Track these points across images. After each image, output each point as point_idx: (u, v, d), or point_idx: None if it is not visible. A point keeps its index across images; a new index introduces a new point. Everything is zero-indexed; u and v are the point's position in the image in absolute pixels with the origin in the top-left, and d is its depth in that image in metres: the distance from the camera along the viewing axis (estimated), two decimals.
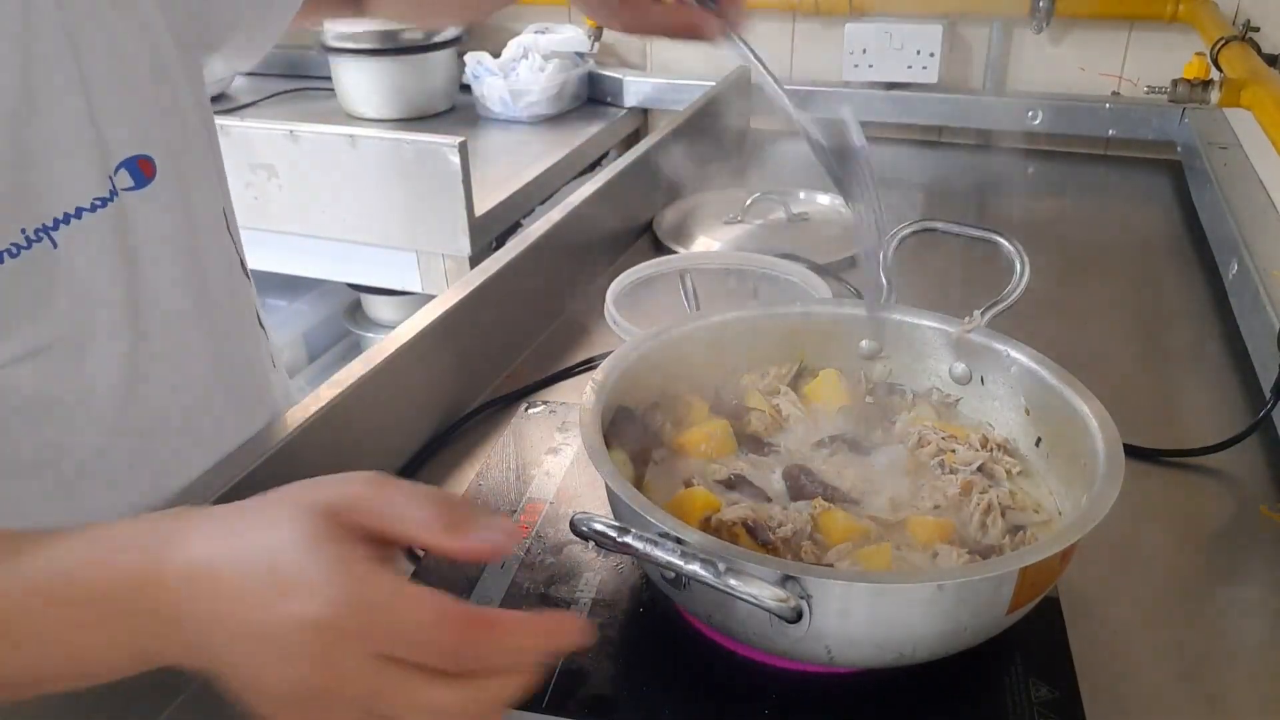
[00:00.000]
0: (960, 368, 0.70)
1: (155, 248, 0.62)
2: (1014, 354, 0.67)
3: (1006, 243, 0.69)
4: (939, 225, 0.69)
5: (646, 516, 0.51)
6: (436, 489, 0.41)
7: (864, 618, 0.49)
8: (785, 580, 0.47)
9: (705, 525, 0.57)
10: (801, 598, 0.47)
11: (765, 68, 0.70)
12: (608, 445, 0.58)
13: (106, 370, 0.60)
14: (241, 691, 0.39)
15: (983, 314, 0.69)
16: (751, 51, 0.70)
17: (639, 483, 0.63)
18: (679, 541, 0.46)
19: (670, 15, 0.69)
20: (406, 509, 0.39)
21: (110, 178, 0.59)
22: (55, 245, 0.56)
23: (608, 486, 0.54)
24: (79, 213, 0.57)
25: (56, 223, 0.56)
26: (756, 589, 0.46)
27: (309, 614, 0.36)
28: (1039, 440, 0.65)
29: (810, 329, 0.74)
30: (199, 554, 0.39)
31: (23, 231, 0.54)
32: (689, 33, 0.69)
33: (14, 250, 0.54)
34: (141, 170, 0.60)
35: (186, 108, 0.64)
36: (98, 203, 0.58)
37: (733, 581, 0.45)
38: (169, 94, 0.62)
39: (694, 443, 0.66)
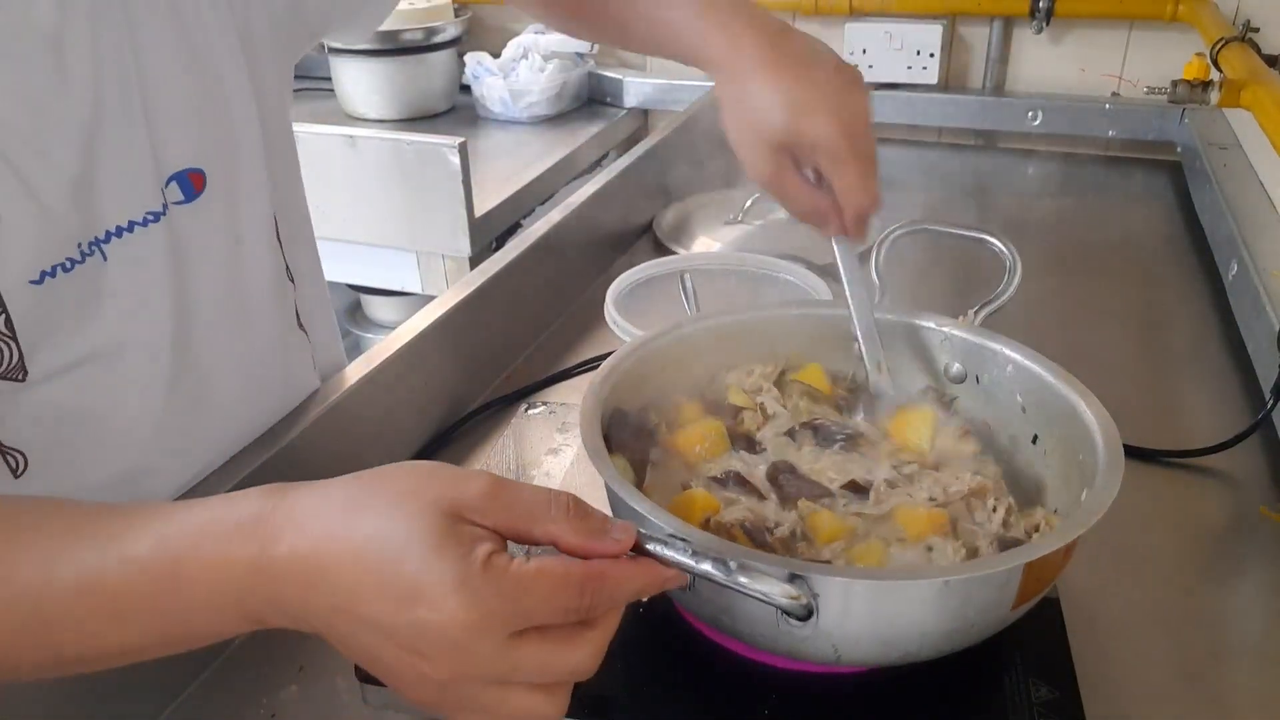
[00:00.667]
0: (956, 367, 0.70)
1: (200, 261, 0.61)
2: (1009, 352, 0.66)
3: (998, 242, 0.69)
4: (930, 226, 0.69)
5: (651, 518, 0.51)
6: (547, 489, 0.42)
7: (871, 615, 0.50)
8: (793, 579, 0.47)
9: (705, 527, 0.57)
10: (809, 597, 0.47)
11: (854, 298, 0.67)
12: (606, 449, 0.58)
13: (145, 382, 0.60)
14: (364, 665, 0.41)
15: (976, 313, 0.69)
16: (846, 267, 0.67)
17: (638, 486, 0.63)
18: (687, 541, 0.46)
19: (804, 194, 0.66)
20: (536, 509, 0.40)
21: (162, 190, 0.58)
22: (105, 259, 0.55)
23: (609, 489, 0.54)
24: (131, 226, 0.56)
25: (109, 235, 0.55)
26: (768, 586, 0.45)
27: (438, 620, 0.37)
28: (1035, 437, 0.65)
29: (809, 330, 0.74)
30: (311, 545, 0.39)
31: (78, 245, 0.54)
32: (811, 219, 0.67)
33: (68, 265, 0.53)
34: (192, 183, 0.60)
35: (240, 117, 0.63)
36: (150, 217, 0.57)
37: (743, 579, 0.45)
38: (223, 104, 0.61)
39: (688, 443, 0.66)
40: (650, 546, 0.43)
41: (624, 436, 0.64)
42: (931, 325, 0.71)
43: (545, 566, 0.39)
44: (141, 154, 0.56)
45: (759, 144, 0.63)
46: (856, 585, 0.48)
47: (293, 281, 0.72)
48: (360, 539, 0.39)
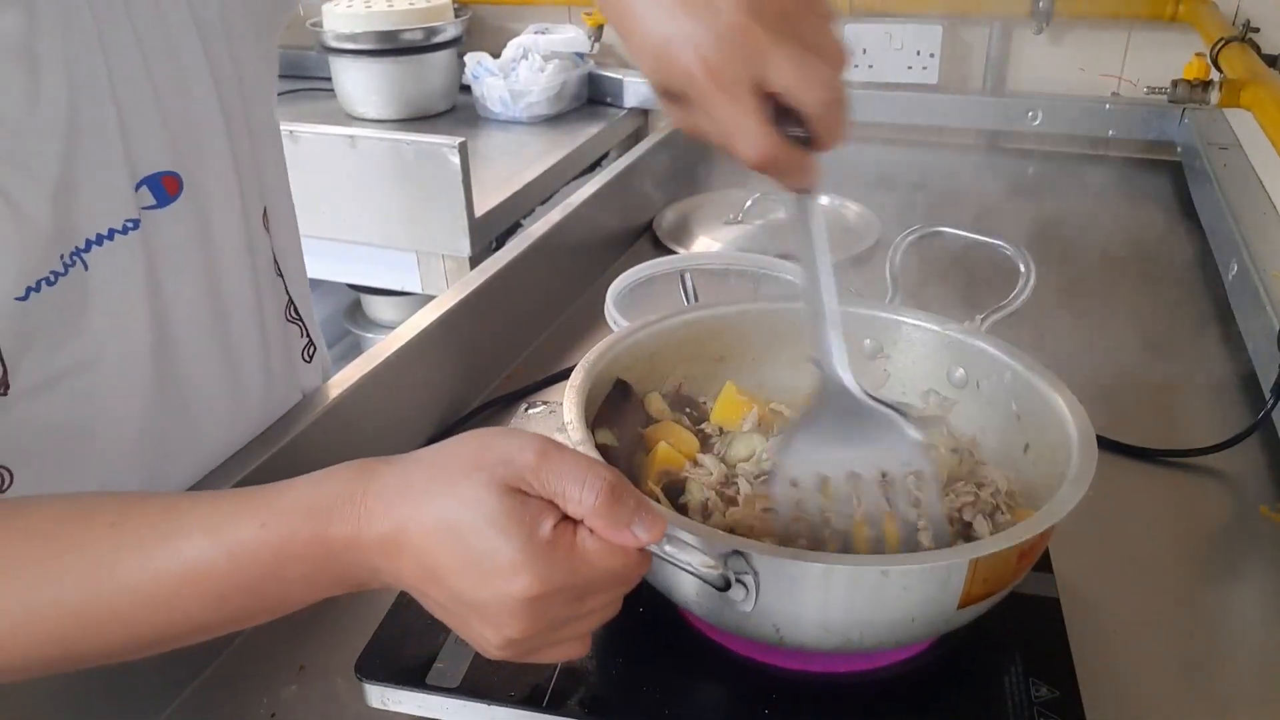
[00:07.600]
0: (959, 372, 0.69)
1: (177, 265, 0.61)
2: (1008, 360, 0.66)
3: (1012, 250, 0.68)
4: (946, 230, 0.69)
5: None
6: (598, 463, 0.44)
7: (807, 597, 0.50)
8: (733, 555, 0.48)
9: (660, 481, 0.60)
10: (746, 573, 0.49)
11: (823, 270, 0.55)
12: (600, 424, 0.60)
13: (127, 390, 0.60)
14: (452, 628, 0.46)
15: (983, 319, 0.69)
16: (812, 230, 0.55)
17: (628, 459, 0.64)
18: None
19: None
20: (570, 490, 0.43)
21: (134, 195, 0.58)
22: (87, 268, 0.55)
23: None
24: (111, 234, 0.56)
25: (89, 244, 0.55)
26: (689, 556, 0.47)
27: (518, 591, 0.42)
28: (1027, 446, 0.64)
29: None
30: (396, 526, 0.43)
31: (60, 258, 0.53)
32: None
33: (52, 278, 0.53)
34: (165, 187, 0.59)
35: (205, 113, 0.62)
36: (129, 224, 0.57)
37: (669, 549, 0.47)
38: (188, 101, 0.60)
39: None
40: None
41: (614, 410, 0.65)
42: (936, 328, 0.70)
43: (606, 545, 0.44)
44: (116, 160, 0.56)
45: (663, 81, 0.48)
46: (791, 565, 0.49)
47: (281, 276, 0.72)
48: (432, 521, 0.43)
